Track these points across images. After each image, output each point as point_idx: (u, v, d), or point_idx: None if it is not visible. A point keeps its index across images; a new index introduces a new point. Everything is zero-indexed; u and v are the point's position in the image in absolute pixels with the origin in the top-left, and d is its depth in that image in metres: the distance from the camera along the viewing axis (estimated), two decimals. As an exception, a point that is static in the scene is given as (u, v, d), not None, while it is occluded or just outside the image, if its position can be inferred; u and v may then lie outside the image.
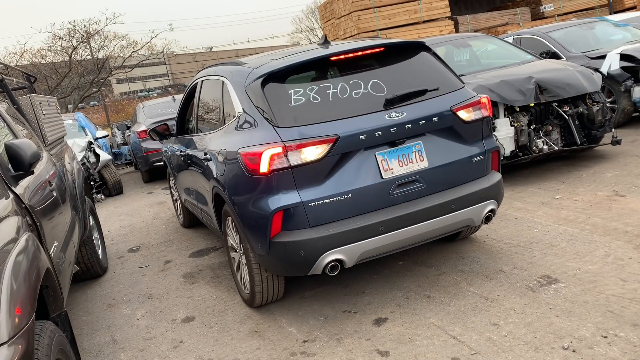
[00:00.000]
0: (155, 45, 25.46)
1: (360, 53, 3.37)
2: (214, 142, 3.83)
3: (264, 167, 2.97)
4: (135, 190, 9.83)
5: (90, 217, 5.18)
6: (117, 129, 13.93)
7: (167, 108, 10.31)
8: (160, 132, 5.22)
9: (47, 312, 2.45)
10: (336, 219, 3.05)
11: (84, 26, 21.84)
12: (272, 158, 2.95)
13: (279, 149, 2.95)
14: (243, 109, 3.38)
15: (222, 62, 4.25)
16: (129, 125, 12.49)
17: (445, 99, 3.35)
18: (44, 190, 3.17)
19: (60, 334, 2.21)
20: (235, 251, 3.77)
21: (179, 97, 11.22)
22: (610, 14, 15.25)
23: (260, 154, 2.97)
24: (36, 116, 4.29)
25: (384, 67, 3.42)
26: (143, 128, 9.71)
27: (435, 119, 3.24)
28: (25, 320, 1.81)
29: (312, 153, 2.97)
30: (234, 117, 3.51)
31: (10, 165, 2.72)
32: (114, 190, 9.56)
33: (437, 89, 3.36)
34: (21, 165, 2.66)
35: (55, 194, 3.40)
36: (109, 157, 9.79)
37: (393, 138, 3.15)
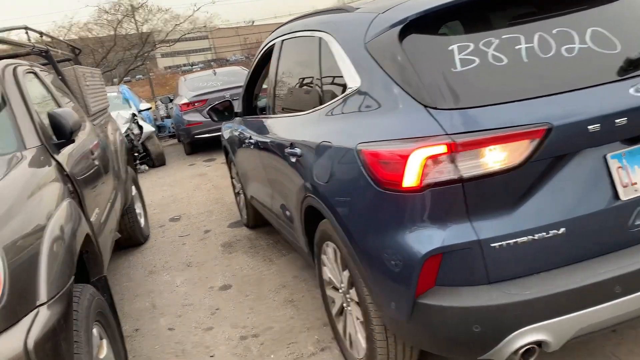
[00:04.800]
0: (198, 18, 25.66)
1: None
2: (306, 130, 2.64)
3: (411, 179, 1.80)
4: (177, 162, 10.03)
5: (133, 187, 5.31)
6: (161, 101, 14.18)
7: (208, 81, 10.41)
8: (220, 110, 4.30)
9: (88, 277, 2.54)
10: (537, 270, 1.83)
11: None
12: (426, 164, 1.77)
13: (442, 148, 1.75)
14: (361, 78, 2.17)
15: (315, 12, 2.99)
16: (172, 98, 12.69)
17: None
18: (87, 159, 3.25)
19: (99, 297, 2.29)
20: (337, 289, 2.61)
21: (221, 70, 11.30)
22: None
23: (405, 156, 1.80)
24: (80, 87, 4.39)
25: (603, 6, 2.13)
26: (185, 101, 9.84)
27: None
28: (64, 282, 1.87)
29: (503, 156, 1.76)
30: (345, 91, 2.29)
31: (52, 134, 2.79)
32: (157, 161, 9.79)
33: None
34: (63, 133, 2.73)
35: (97, 163, 3.49)
36: (152, 129, 10.00)
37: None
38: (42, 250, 1.85)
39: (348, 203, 2.16)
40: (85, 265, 2.51)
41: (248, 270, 4.06)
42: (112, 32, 20.88)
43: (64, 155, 2.78)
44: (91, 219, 2.80)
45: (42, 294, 1.72)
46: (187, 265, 4.44)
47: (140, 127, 9.33)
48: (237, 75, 10.61)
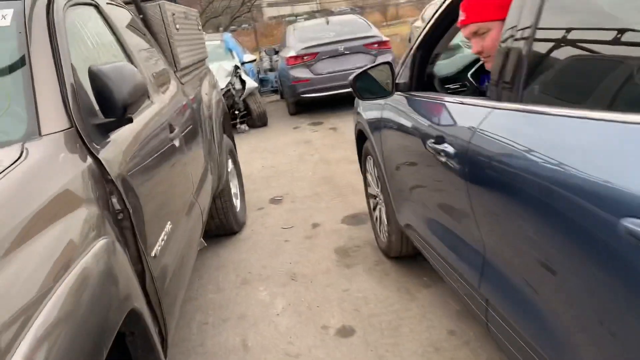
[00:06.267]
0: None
1: None
2: None
3: None
4: (280, 123, 8.97)
5: (229, 161, 4.26)
6: (265, 53, 13.15)
7: (320, 31, 9.14)
8: (371, 79, 2.51)
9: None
10: None
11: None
12: None
13: None
14: None
15: None
16: (277, 49, 11.59)
17: None
18: (159, 140, 2.15)
19: None
20: None
21: (334, 19, 9.98)
22: None
23: None
24: (166, 31, 3.29)
25: None
26: (293, 54, 8.67)
27: None
28: None
29: None
30: None
31: (98, 109, 1.67)
32: (258, 121, 8.77)
33: None
34: (110, 107, 1.60)
35: (177, 144, 2.39)
36: (256, 84, 8.95)
37: None
38: None
39: None
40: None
41: (376, 305, 2.86)
42: (219, -23, 20.08)
43: (114, 144, 1.66)
44: (153, 253, 1.69)
45: None
46: (291, 277, 3.33)
47: (243, 82, 8.31)
48: (353, 25, 9.26)
